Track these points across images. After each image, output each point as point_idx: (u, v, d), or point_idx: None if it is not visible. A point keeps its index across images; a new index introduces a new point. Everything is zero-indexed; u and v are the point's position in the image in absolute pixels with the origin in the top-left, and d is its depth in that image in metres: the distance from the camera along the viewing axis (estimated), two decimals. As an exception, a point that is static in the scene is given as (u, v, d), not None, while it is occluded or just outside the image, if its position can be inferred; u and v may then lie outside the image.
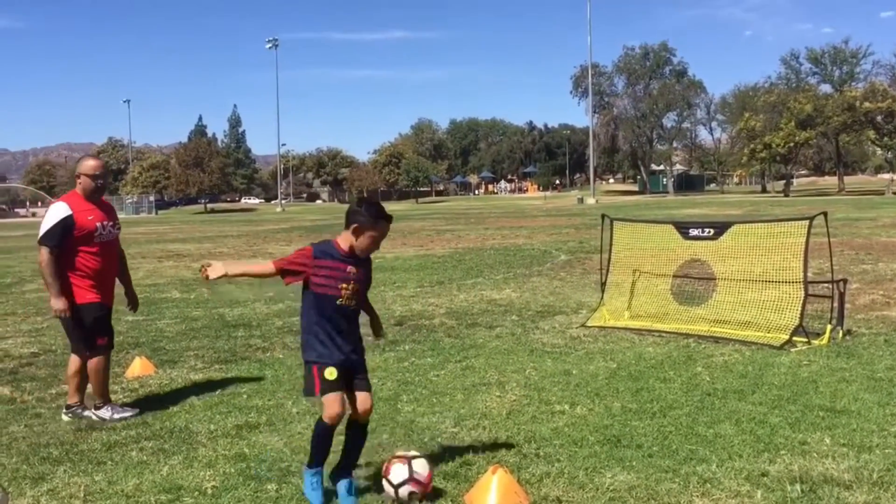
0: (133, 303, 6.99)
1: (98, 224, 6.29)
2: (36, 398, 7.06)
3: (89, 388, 6.47)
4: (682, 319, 9.46)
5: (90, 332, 6.35)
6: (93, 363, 6.38)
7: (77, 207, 6.23)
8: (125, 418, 6.28)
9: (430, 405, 6.40)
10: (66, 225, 6.13)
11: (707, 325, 9.11)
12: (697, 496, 4.39)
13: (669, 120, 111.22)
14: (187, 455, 5.33)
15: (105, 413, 6.32)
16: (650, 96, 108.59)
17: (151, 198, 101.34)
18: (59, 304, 6.10)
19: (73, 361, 6.45)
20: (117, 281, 6.80)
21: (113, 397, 7.00)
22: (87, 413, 6.35)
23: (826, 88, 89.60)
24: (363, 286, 4.59)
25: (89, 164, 6.46)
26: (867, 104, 77.46)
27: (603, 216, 10.54)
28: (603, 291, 10.26)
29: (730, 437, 5.41)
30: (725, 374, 7.18)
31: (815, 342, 8.25)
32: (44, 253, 6.10)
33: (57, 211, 6.19)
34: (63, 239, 6.12)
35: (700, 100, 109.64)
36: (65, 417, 6.35)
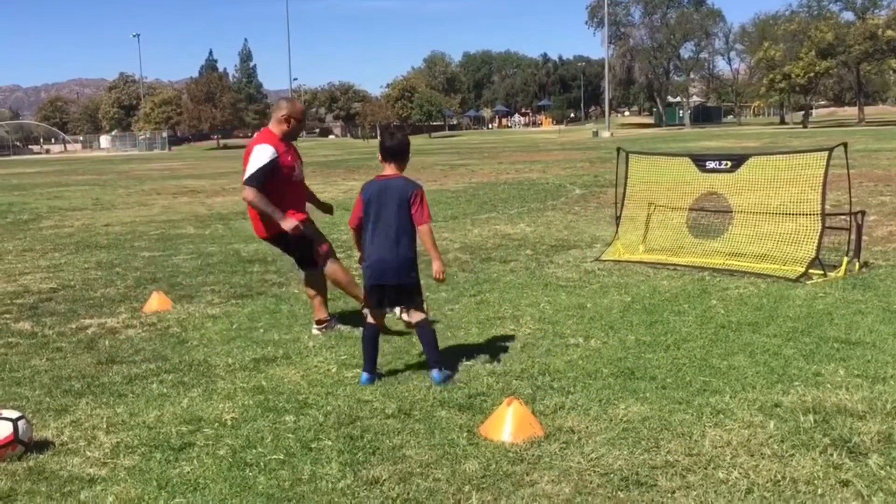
0: (328, 209, 7.26)
1: (295, 165, 6.58)
2: (56, 332, 7.16)
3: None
4: (698, 253, 9.42)
5: (313, 243, 6.67)
6: (330, 271, 6.72)
7: (280, 149, 6.43)
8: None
9: (444, 339, 6.43)
10: (274, 166, 6.34)
11: (722, 258, 9.07)
12: (710, 427, 4.43)
13: (687, 50, 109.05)
14: (206, 388, 5.42)
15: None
16: (667, 26, 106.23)
17: (164, 134, 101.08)
18: (290, 223, 6.36)
19: (309, 279, 6.83)
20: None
21: (132, 332, 7.11)
22: (338, 326, 6.80)
23: (848, 16, 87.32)
24: None
25: (299, 108, 6.73)
26: (890, 32, 75.41)
27: (618, 149, 10.43)
28: (618, 225, 10.21)
29: (743, 368, 5.43)
30: (740, 306, 7.18)
31: (832, 275, 8.21)
32: (251, 193, 6.32)
33: (265, 153, 6.35)
34: (267, 179, 6.34)
35: (718, 29, 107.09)
36: (314, 331, 6.74)
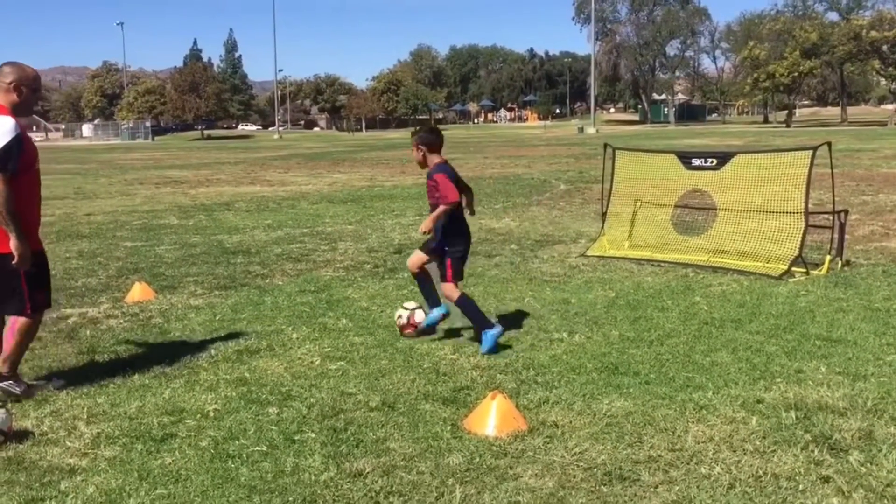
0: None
1: (37, 154, 5.17)
2: (37, 322, 7.07)
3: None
4: (682, 249, 9.46)
5: (27, 286, 5.06)
6: (34, 325, 5.22)
7: (20, 125, 4.96)
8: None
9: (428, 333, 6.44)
10: (20, 149, 4.86)
11: (706, 255, 9.12)
12: (693, 422, 4.45)
13: (672, 48, 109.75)
14: (189, 379, 5.38)
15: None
16: (654, 23, 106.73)
17: (147, 123, 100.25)
18: (25, 252, 4.86)
19: None
20: None
21: (113, 322, 7.05)
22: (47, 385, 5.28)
23: (833, 16, 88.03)
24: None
25: (31, 74, 5.07)
26: (873, 33, 76.05)
27: (605, 145, 10.44)
28: (603, 221, 10.23)
29: (726, 364, 5.46)
30: (723, 303, 7.22)
31: (814, 272, 8.27)
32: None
33: (4, 125, 4.81)
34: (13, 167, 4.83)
35: (704, 27, 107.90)
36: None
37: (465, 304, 6.01)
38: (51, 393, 5.10)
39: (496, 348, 5.81)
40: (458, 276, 6.09)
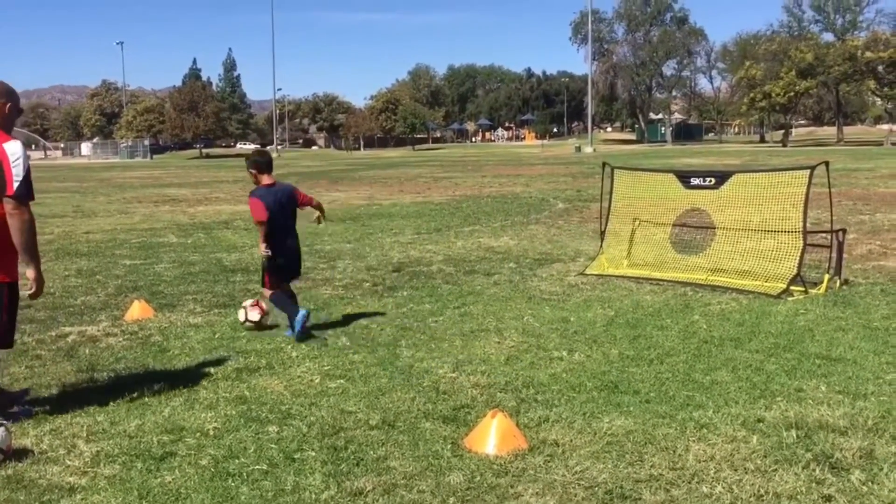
0: None
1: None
2: (36, 340, 7.08)
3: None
4: (681, 268, 9.48)
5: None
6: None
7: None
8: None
9: (428, 350, 6.44)
10: (29, 172, 4.73)
11: (705, 273, 9.13)
12: (694, 441, 4.45)
13: (669, 68, 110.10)
14: (188, 397, 5.37)
15: None
16: (650, 44, 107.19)
17: (146, 142, 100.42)
18: (39, 279, 4.87)
19: None
20: None
21: (112, 340, 7.04)
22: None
23: (828, 37, 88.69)
24: None
25: (9, 89, 4.84)
26: (869, 53, 76.59)
27: (604, 164, 10.49)
28: (602, 240, 10.25)
29: (726, 383, 5.46)
30: (722, 322, 7.22)
31: (813, 291, 8.28)
32: (29, 211, 4.72)
33: (17, 150, 4.67)
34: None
35: (701, 48, 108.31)
36: None
37: (276, 299, 6.99)
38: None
39: (304, 333, 6.71)
40: (272, 286, 7.03)
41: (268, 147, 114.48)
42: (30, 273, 4.75)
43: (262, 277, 7.19)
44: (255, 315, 7.11)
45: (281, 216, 6.89)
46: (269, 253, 6.88)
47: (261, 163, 7.04)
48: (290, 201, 7.06)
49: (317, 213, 7.49)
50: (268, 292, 7.09)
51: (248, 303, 7.27)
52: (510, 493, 3.85)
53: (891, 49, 76.57)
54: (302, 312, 6.75)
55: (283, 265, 7.01)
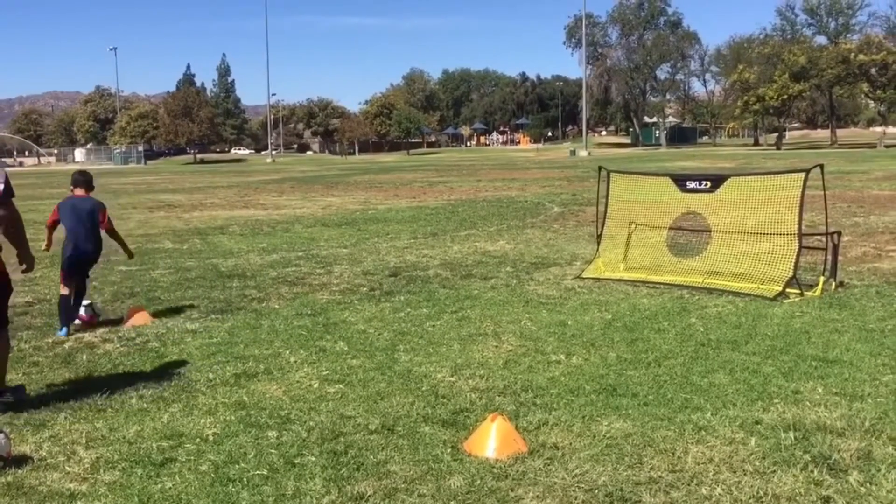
0: None
1: None
2: (33, 347, 7.07)
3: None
4: (677, 271, 9.51)
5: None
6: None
7: None
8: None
9: (426, 355, 6.45)
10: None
11: (701, 276, 9.16)
12: (692, 443, 4.46)
13: (663, 72, 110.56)
14: (187, 403, 5.37)
15: None
16: (644, 47, 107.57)
17: (140, 148, 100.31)
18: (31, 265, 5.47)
19: None
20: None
21: (110, 346, 7.04)
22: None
23: (821, 40, 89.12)
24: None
25: None
26: (861, 56, 76.93)
27: (600, 168, 10.52)
28: (598, 243, 10.28)
29: (724, 386, 5.48)
30: (719, 324, 7.25)
31: (808, 294, 8.31)
32: (13, 207, 5.25)
33: None
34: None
35: (694, 51, 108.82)
36: None
37: (61, 301, 7.64)
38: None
39: (66, 332, 7.43)
40: (65, 280, 7.74)
41: (262, 152, 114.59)
42: (19, 253, 5.34)
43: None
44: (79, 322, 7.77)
45: (74, 222, 7.89)
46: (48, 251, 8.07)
47: (73, 181, 8.08)
48: (89, 215, 7.96)
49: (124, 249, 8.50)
50: (62, 289, 7.76)
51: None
52: (510, 497, 3.87)
53: (883, 52, 76.96)
54: (62, 333, 7.47)
55: (70, 262, 7.83)
